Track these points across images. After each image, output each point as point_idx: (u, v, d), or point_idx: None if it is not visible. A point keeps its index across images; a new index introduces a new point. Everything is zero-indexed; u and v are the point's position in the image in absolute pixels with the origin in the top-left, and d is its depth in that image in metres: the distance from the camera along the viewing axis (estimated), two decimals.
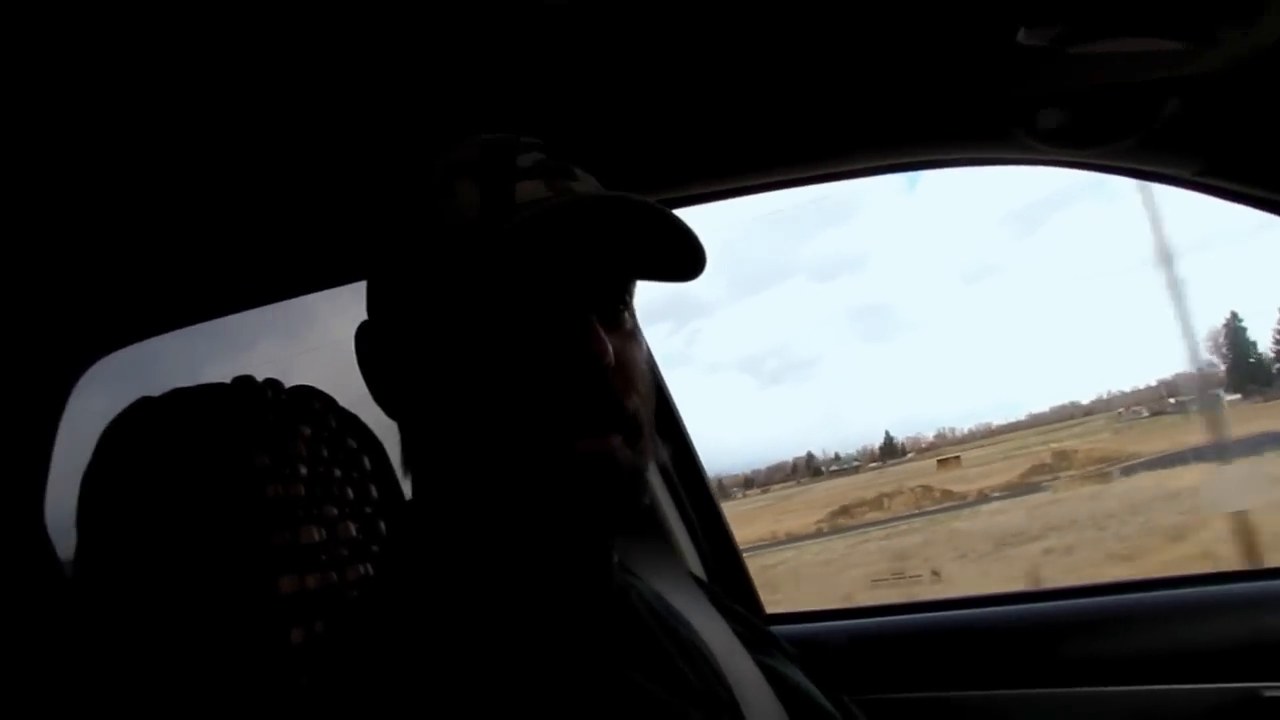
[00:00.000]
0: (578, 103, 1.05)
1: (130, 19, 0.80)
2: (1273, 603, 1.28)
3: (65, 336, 1.33)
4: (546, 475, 0.64)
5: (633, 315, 0.72)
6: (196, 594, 0.83)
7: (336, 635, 0.75)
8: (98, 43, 0.82)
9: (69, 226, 1.14)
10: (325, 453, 0.94)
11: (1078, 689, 1.32)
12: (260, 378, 0.96)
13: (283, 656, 0.82)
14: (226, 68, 0.90)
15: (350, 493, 0.95)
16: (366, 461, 0.98)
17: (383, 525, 0.96)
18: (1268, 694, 1.20)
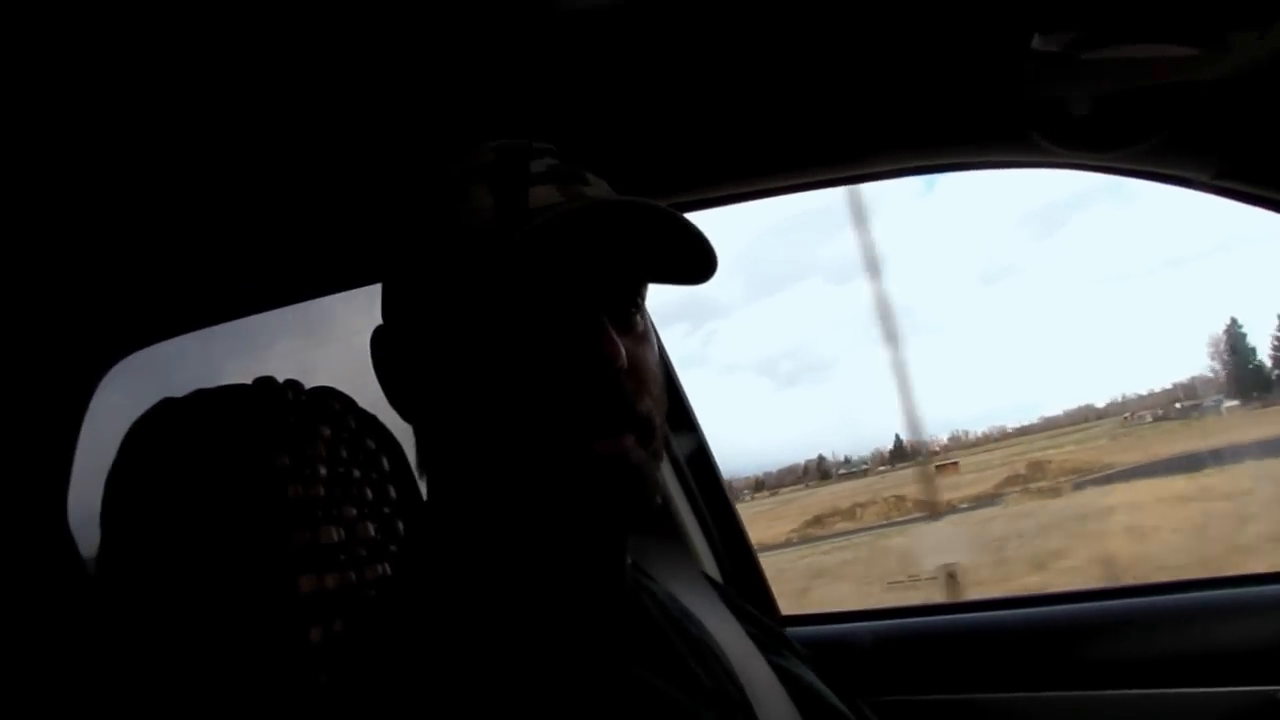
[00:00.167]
0: (592, 107, 1.06)
1: (158, 26, 0.81)
2: None
3: (90, 335, 1.35)
4: (561, 476, 0.65)
5: (644, 317, 0.73)
6: (218, 592, 0.84)
7: (355, 634, 0.76)
8: (125, 49, 0.84)
9: (93, 229, 1.16)
10: (344, 453, 0.95)
11: (1096, 692, 1.31)
12: (278, 378, 0.97)
13: (302, 655, 0.83)
14: (248, 74, 0.91)
15: (369, 493, 0.96)
16: (385, 462, 0.99)
17: (400, 526, 0.97)
18: None
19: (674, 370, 1.62)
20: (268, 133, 1.03)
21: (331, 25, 0.86)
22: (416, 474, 0.79)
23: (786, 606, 1.74)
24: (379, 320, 0.77)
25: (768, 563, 1.76)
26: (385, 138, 1.08)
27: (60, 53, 0.82)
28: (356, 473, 0.95)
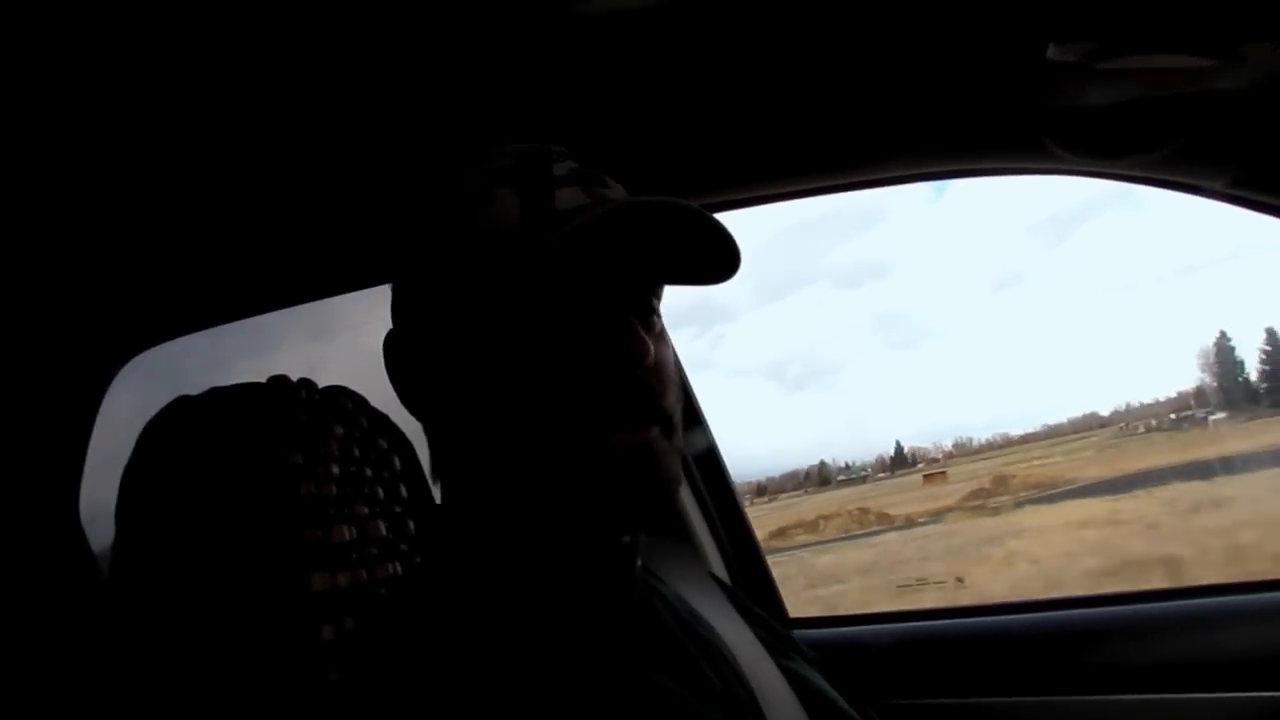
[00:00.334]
0: (603, 111, 1.06)
1: (175, 23, 0.82)
2: None
3: (103, 333, 1.35)
4: (588, 469, 0.65)
5: (659, 317, 0.73)
6: (231, 589, 0.85)
7: (367, 632, 0.76)
8: (143, 50, 0.84)
9: (107, 227, 1.17)
10: (357, 452, 0.95)
11: (1102, 697, 1.31)
12: (291, 377, 0.98)
13: (314, 652, 0.84)
14: (262, 75, 0.92)
15: (380, 492, 0.96)
16: (397, 461, 1.00)
17: (411, 525, 0.98)
18: None
19: (684, 371, 1.63)
20: (281, 132, 1.04)
21: (342, 24, 0.86)
22: (430, 477, 0.80)
23: None
24: (389, 320, 0.77)
25: None
26: (396, 138, 1.08)
27: (83, 49, 0.83)
28: (368, 471, 0.96)
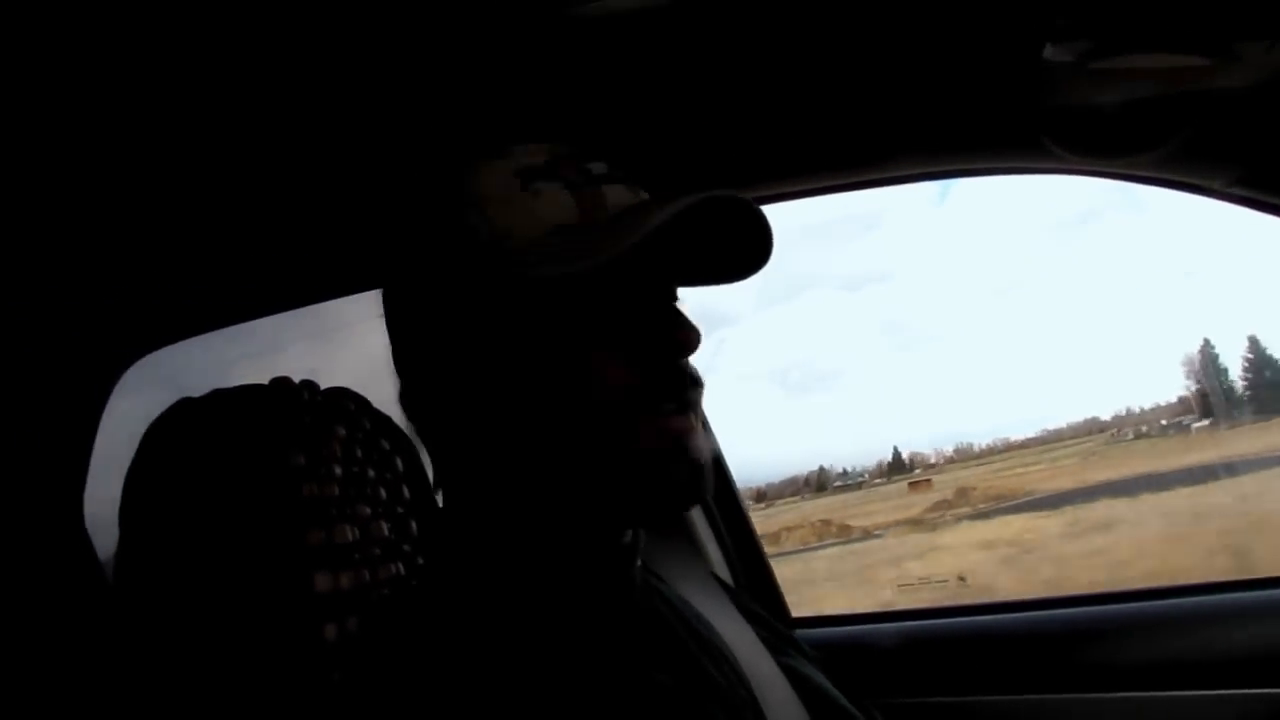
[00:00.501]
0: (600, 112, 1.06)
1: (180, 25, 0.82)
2: None
3: (107, 336, 1.36)
4: (637, 458, 0.67)
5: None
6: (234, 589, 0.85)
7: (370, 633, 0.76)
8: (148, 52, 0.85)
9: (110, 230, 1.17)
10: (359, 453, 0.96)
11: (1104, 695, 1.31)
12: (292, 379, 0.98)
13: (317, 652, 0.84)
14: (265, 76, 0.92)
15: (383, 493, 0.96)
16: (399, 462, 1.00)
17: (414, 526, 0.98)
18: None
19: None
20: (283, 135, 1.04)
21: (344, 26, 0.86)
22: (433, 487, 0.80)
23: None
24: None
25: None
26: (397, 139, 1.08)
27: (89, 52, 0.83)
28: (371, 472, 0.96)
